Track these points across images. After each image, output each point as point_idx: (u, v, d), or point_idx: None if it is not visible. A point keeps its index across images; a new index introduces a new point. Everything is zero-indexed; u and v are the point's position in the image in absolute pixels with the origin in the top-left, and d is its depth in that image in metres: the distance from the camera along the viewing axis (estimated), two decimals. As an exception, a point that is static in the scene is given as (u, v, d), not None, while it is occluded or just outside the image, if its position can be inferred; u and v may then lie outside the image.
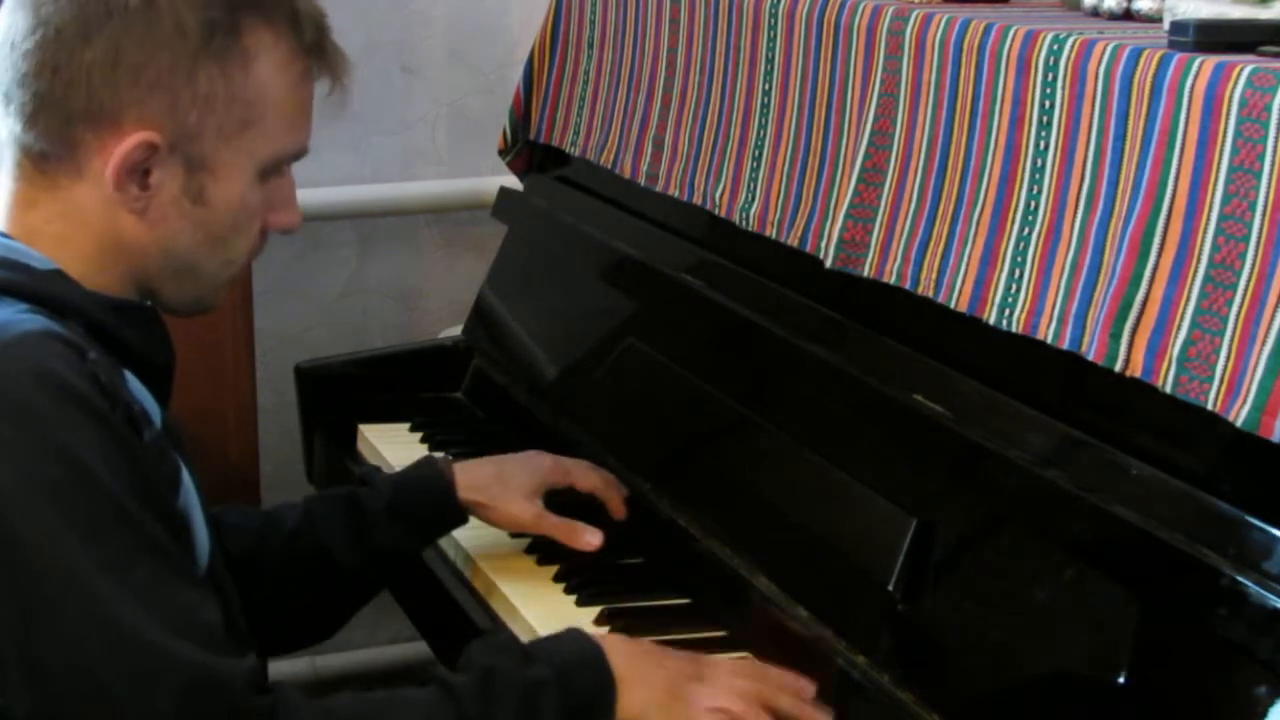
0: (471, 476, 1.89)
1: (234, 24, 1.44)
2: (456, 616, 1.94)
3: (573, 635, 1.58)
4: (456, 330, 2.63)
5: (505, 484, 1.90)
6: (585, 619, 1.81)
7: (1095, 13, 1.78)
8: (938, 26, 1.74)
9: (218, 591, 1.49)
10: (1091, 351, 1.51)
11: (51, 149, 1.45)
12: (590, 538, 1.90)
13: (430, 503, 1.88)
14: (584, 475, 1.98)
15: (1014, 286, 1.63)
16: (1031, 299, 1.61)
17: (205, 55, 1.43)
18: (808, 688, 1.59)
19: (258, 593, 1.73)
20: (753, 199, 2.03)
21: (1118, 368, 1.49)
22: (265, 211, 1.53)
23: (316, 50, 1.51)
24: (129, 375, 1.45)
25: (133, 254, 1.48)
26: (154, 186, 1.45)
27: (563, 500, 1.96)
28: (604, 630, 1.78)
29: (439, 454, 1.98)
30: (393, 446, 2.30)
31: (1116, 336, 1.49)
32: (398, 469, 2.20)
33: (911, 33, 1.77)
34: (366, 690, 1.51)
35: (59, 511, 1.31)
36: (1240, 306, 1.39)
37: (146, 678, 1.30)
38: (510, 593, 1.88)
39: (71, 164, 1.45)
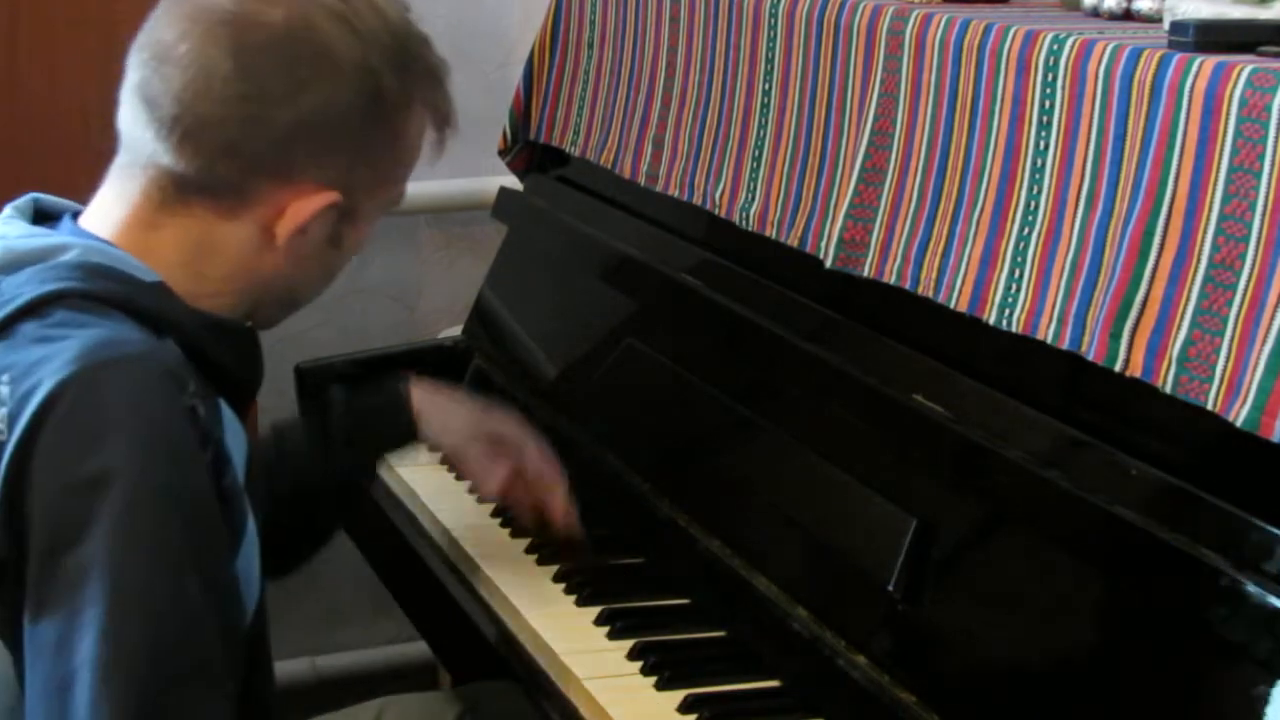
0: (427, 405, 1.91)
1: (409, 98, 1.50)
2: (456, 617, 1.94)
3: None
4: (456, 330, 2.63)
5: (447, 417, 1.91)
6: (585, 619, 1.81)
7: (1095, 13, 1.77)
8: (938, 26, 1.74)
9: (253, 658, 1.47)
10: (1091, 351, 1.51)
11: (218, 189, 1.45)
12: (493, 485, 1.92)
13: (387, 420, 1.90)
14: (532, 463, 1.94)
15: (1014, 286, 1.63)
16: (1031, 299, 1.61)
17: (380, 123, 1.48)
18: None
19: None
20: (753, 199, 2.03)
21: (1118, 368, 1.49)
22: None
23: (446, 121, 1.56)
24: (222, 403, 1.44)
25: (259, 285, 1.50)
26: (308, 235, 1.49)
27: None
28: (604, 630, 1.78)
29: (402, 386, 1.95)
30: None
31: (1116, 336, 1.49)
32: (398, 469, 2.21)
33: (911, 33, 1.77)
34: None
35: (115, 547, 1.29)
36: (1240, 306, 1.39)
37: None
38: (510, 593, 1.88)
39: (231, 206, 1.46)
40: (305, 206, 1.45)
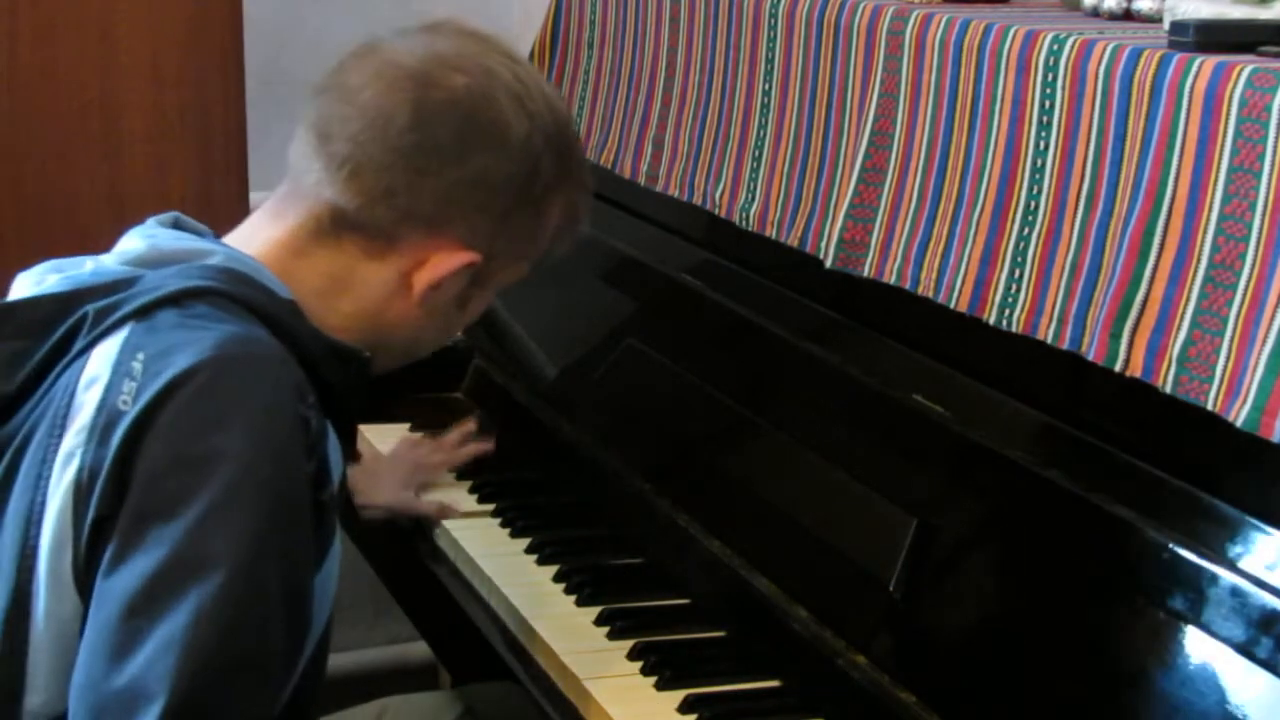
0: (350, 481, 2.02)
1: (558, 185, 1.56)
2: (456, 617, 1.94)
3: None
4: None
5: (374, 486, 2.13)
6: (585, 619, 1.81)
7: (1095, 13, 1.78)
8: (938, 26, 1.74)
9: (313, 671, 1.49)
10: (1091, 351, 1.51)
11: (371, 229, 1.51)
12: (445, 511, 2.11)
13: None
14: (439, 460, 2.21)
15: (1014, 286, 1.63)
16: (1031, 299, 1.61)
17: (531, 200, 1.54)
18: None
19: None
20: (753, 199, 2.03)
21: (1118, 368, 1.49)
22: None
23: (579, 217, 1.63)
24: (328, 423, 1.48)
25: (384, 329, 1.54)
26: (442, 290, 1.53)
27: (563, 501, 1.95)
28: (604, 630, 1.78)
29: None
30: (393, 446, 2.30)
31: (1116, 336, 1.49)
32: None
33: (911, 33, 1.77)
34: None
35: (205, 523, 1.32)
36: (1240, 306, 1.39)
37: None
38: (510, 593, 1.88)
39: (380, 248, 1.51)
40: (447, 261, 1.51)
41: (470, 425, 2.25)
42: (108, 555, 1.33)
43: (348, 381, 1.53)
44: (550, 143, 1.54)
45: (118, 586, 1.31)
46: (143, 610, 1.30)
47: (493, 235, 1.53)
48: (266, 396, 1.37)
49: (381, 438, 2.33)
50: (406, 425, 2.38)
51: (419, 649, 2.89)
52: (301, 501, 1.38)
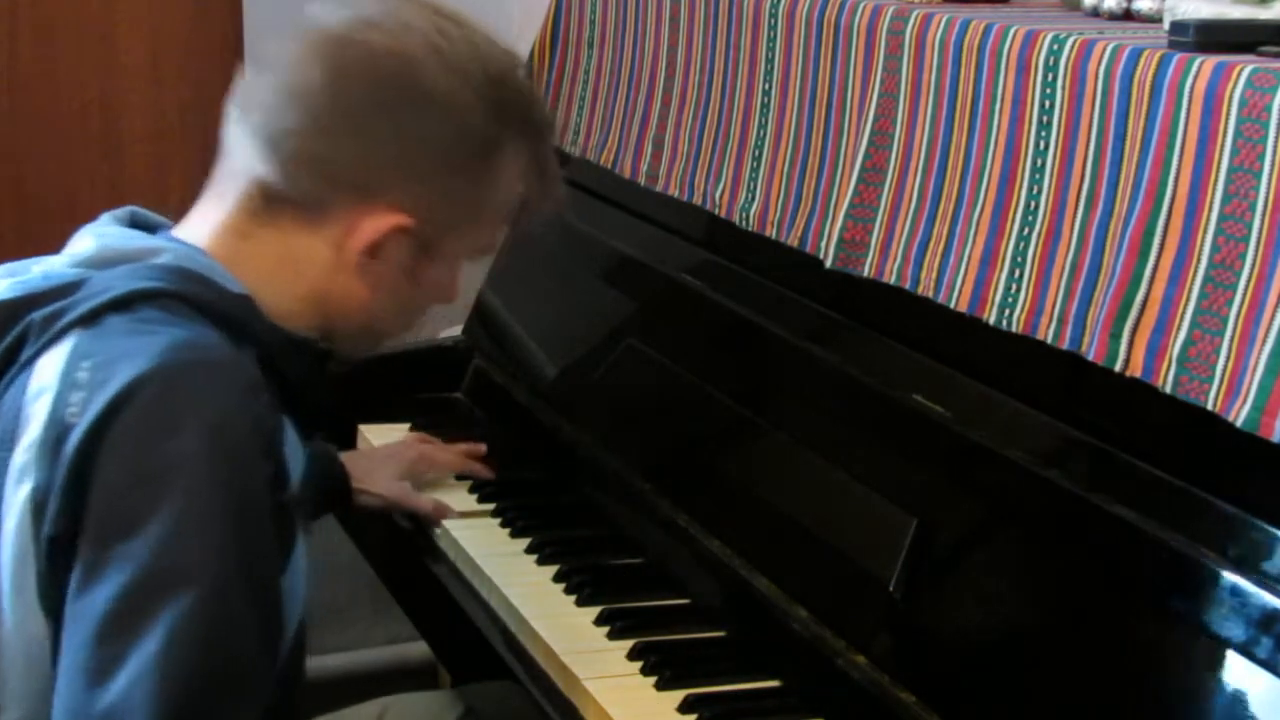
0: (350, 465, 2.09)
1: (497, 135, 1.50)
2: (456, 617, 1.94)
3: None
4: (456, 330, 2.63)
5: (371, 471, 2.10)
6: (585, 619, 1.81)
7: (1095, 13, 1.78)
8: (938, 26, 1.74)
9: (291, 672, 1.48)
10: (1091, 351, 1.51)
11: (300, 200, 1.47)
12: (440, 509, 2.10)
13: (335, 495, 2.06)
14: (444, 459, 2.20)
15: (1014, 286, 1.63)
16: (1031, 299, 1.61)
17: (467, 158, 1.49)
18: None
19: None
20: (753, 199, 2.03)
21: (1118, 368, 1.49)
22: None
23: (543, 171, 1.57)
24: (285, 420, 1.45)
25: (334, 308, 1.51)
26: (381, 260, 1.49)
27: (563, 501, 1.95)
28: (604, 630, 1.78)
29: (329, 445, 2.10)
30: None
31: (1116, 336, 1.49)
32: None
33: (911, 33, 1.77)
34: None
35: (169, 537, 1.31)
36: (1240, 306, 1.39)
37: None
38: (510, 593, 1.88)
39: (313, 220, 1.48)
40: (374, 225, 1.47)
41: (480, 448, 2.23)
42: (75, 576, 1.30)
43: (306, 373, 1.50)
44: (483, 98, 1.48)
45: (89, 609, 1.29)
46: (117, 633, 1.28)
47: (428, 198, 1.48)
48: (218, 401, 1.34)
49: (381, 438, 2.33)
50: (406, 425, 2.38)
51: (419, 649, 2.89)
52: (262, 506, 1.36)
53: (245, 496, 1.34)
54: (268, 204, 1.48)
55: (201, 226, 1.50)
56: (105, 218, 1.53)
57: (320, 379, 1.55)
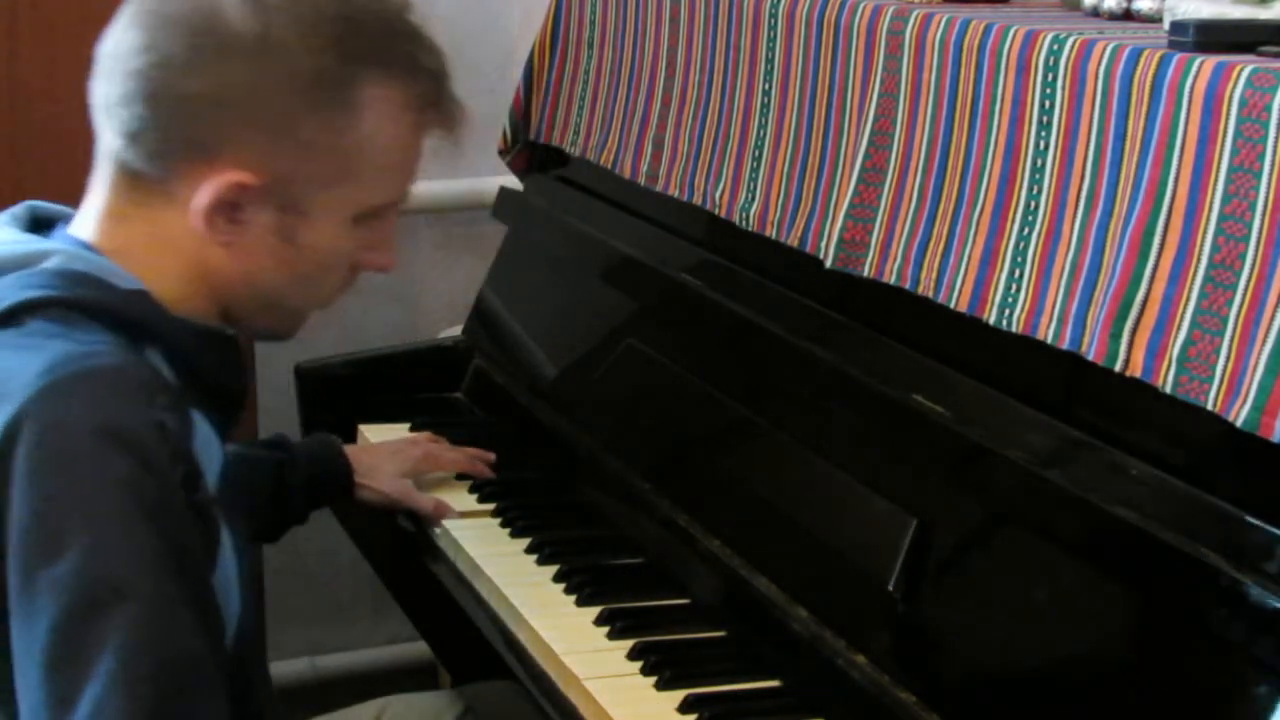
0: (354, 459, 2.09)
1: (347, 76, 1.42)
2: (456, 617, 1.94)
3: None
4: (456, 330, 2.63)
5: (375, 467, 2.10)
6: (585, 619, 1.81)
7: (1095, 13, 1.78)
8: (938, 26, 1.74)
9: (238, 674, 1.45)
10: (1091, 351, 1.51)
11: (147, 170, 1.43)
12: (441, 509, 2.09)
13: (336, 485, 2.08)
14: (450, 459, 2.19)
15: (1014, 286, 1.63)
16: (1031, 299, 1.61)
17: (312, 104, 1.41)
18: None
19: None
20: (753, 199, 2.03)
21: (1118, 368, 1.49)
22: (360, 251, 1.52)
23: (431, 104, 1.48)
24: (196, 416, 1.42)
25: (218, 283, 1.46)
26: (243, 223, 1.43)
27: (563, 501, 1.95)
28: (604, 630, 1.78)
29: (333, 436, 2.13)
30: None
31: (1116, 336, 1.49)
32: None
33: (911, 33, 1.77)
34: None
35: (90, 557, 1.29)
36: (1240, 306, 1.39)
37: None
38: (510, 593, 1.88)
39: (165, 189, 1.43)
40: (211, 185, 1.41)
41: (489, 456, 2.21)
42: (12, 611, 1.29)
43: (220, 363, 1.47)
44: (316, 35, 1.40)
45: (34, 644, 1.28)
46: (69, 658, 1.27)
47: (272, 150, 1.41)
48: (108, 410, 1.31)
49: (381, 438, 2.33)
50: (406, 425, 2.38)
51: (419, 649, 2.89)
52: (176, 506, 1.33)
53: (159, 500, 1.31)
54: (132, 184, 1.44)
55: (88, 216, 1.47)
56: (3, 218, 1.50)
57: (234, 368, 1.51)
